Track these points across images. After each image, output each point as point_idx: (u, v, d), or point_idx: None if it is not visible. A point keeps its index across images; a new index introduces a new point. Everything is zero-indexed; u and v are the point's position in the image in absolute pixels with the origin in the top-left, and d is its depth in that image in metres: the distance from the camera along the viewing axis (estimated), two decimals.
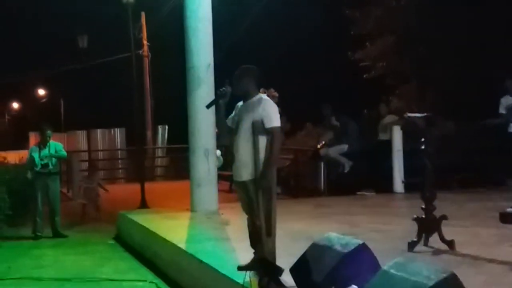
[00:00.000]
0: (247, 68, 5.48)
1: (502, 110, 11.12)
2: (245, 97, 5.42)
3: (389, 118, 12.18)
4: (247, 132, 5.22)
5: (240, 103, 5.48)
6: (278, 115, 5.35)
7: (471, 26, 14.10)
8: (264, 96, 5.51)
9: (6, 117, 49.00)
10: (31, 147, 10.83)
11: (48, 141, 10.30)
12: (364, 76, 16.87)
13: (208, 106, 5.64)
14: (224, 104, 5.37)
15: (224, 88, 5.33)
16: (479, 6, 13.88)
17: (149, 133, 23.92)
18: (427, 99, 15.15)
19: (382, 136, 12.09)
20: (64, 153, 10.57)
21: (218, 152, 10.52)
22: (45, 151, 10.21)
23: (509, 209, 7.44)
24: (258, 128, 5.18)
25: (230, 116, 5.52)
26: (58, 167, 10.68)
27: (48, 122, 10.97)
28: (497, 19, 13.58)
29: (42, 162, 10.18)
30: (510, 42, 11.94)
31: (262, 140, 5.19)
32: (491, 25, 13.69)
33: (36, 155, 10.17)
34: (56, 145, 10.44)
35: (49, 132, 10.37)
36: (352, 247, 4.53)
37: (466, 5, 14.12)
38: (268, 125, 5.21)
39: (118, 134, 22.32)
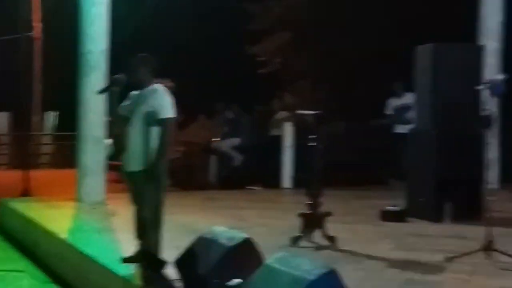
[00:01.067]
0: (143, 56, 5.43)
1: (389, 111, 11.58)
2: (140, 86, 5.37)
3: (281, 114, 12.35)
4: (140, 121, 5.17)
5: (134, 92, 5.42)
6: (172, 106, 5.33)
7: (364, 27, 14.52)
8: (159, 86, 5.47)
9: None
10: None
11: None
12: (259, 71, 17.01)
13: (100, 92, 5.57)
14: (117, 92, 5.31)
15: (118, 76, 5.27)
16: (373, 9, 14.33)
17: (36, 119, 23.05)
18: (320, 97, 15.48)
19: (274, 132, 12.24)
20: None
21: (108, 140, 10.32)
22: None
23: (389, 207, 7.73)
24: (151, 118, 5.14)
25: (123, 105, 5.43)
26: None
27: None
28: (390, 20, 14.06)
29: None
30: (401, 43, 12.34)
31: (155, 131, 5.15)
32: (384, 27, 14.15)
33: None
34: None
35: None
36: (238, 241, 4.58)
37: (361, 6, 14.53)
38: (161, 115, 5.17)
39: (2, 119, 21.42)
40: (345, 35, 14.82)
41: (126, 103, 5.42)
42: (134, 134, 5.22)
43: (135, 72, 5.32)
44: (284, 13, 16.38)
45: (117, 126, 5.57)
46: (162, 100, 5.24)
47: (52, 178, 14.20)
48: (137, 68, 5.33)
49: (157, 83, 5.54)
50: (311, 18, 15.53)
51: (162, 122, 5.16)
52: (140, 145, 5.15)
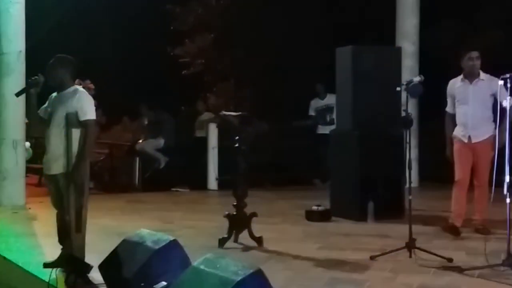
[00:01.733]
0: (63, 57, 5.37)
1: (311, 112, 11.76)
2: (60, 87, 5.31)
3: (205, 115, 12.33)
4: (60, 124, 5.11)
5: (54, 94, 5.34)
6: (93, 108, 5.29)
7: (285, 29, 14.69)
8: (80, 87, 5.42)
9: None
10: None
11: None
12: (183, 72, 16.95)
13: (17, 94, 5.52)
14: (36, 94, 5.23)
15: (36, 77, 5.20)
16: (294, 12, 14.52)
17: None
18: (243, 98, 15.55)
19: (199, 133, 12.21)
20: None
21: (27, 143, 10.07)
22: None
23: (314, 207, 7.84)
24: (72, 120, 5.08)
25: (42, 107, 5.35)
26: None
27: None
28: (312, 23, 14.28)
29: None
30: (323, 44, 12.54)
31: (76, 133, 5.09)
32: (304, 31, 14.36)
33: None
34: None
35: None
36: (163, 244, 4.54)
37: (282, 9, 14.70)
38: (82, 117, 5.14)
39: None
40: (267, 36, 14.96)
41: (45, 105, 5.34)
42: (54, 137, 5.17)
43: (54, 74, 5.26)
44: (205, 14, 16.38)
45: (36, 129, 5.48)
46: (83, 102, 5.19)
47: None
48: (56, 69, 5.27)
49: (77, 84, 5.49)
50: (232, 19, 15.59)
51: (83, 124, 5.12)
52: (61, 147, 5.09)
